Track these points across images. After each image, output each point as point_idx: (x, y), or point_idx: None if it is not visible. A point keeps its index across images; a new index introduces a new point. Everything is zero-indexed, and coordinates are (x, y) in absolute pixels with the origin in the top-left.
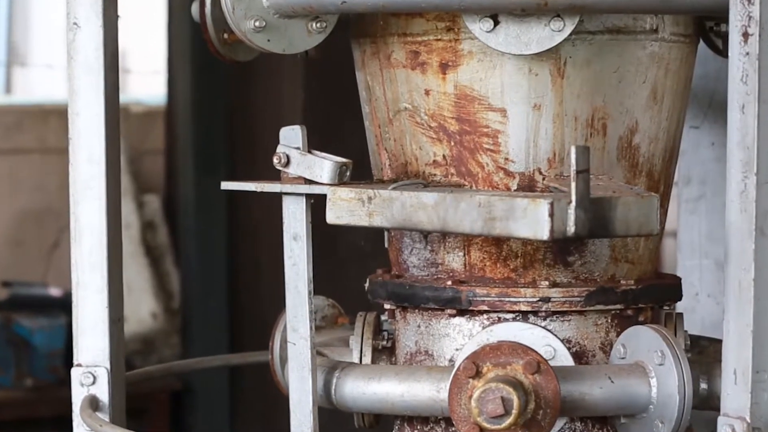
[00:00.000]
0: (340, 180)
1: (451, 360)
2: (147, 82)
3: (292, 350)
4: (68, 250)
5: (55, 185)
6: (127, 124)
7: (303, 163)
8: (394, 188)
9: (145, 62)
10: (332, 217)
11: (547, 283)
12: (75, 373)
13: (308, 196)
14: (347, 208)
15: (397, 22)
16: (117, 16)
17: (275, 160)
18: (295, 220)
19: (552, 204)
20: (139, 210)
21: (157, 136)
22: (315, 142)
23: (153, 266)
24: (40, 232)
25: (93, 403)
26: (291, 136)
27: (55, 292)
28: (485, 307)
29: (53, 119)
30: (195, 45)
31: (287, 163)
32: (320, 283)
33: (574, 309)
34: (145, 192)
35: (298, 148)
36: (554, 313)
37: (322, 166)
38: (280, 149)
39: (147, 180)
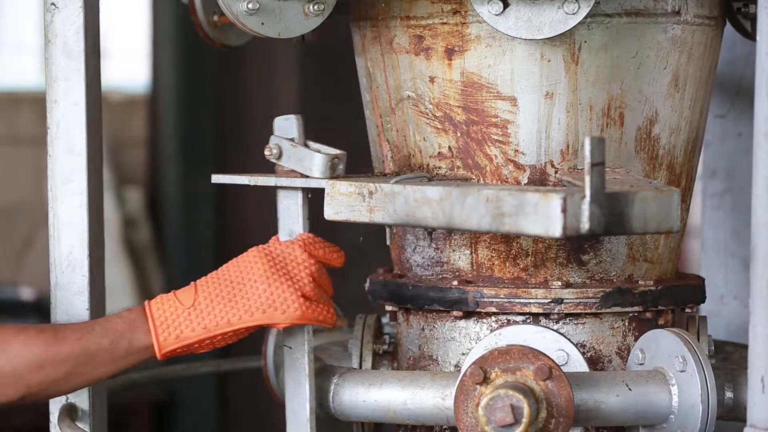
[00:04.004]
0: (332, 173)
1: (457, 365)
2: (127, 67)
3: (288, 354)
4: (42, 249)
5: (27, 178)
6: (105, 113)
7: (295, 155)
8: (396, 182)
9: (125, 45)
10: (330, 212)
11: (559, 283)
12: None
13: (305, 190)
14: (347, 203)
15: (399, 4)
16: None
17: (266, 152)
18: (290, 216)
19: (565, 199)
20: (119, 205)
21: (137, 125)
22: (310, 133)
23: (134, 266)
24: (11, 229)
25: (72, 413)
26: (285, 127)
27: (26, 294)
28: (493, 309)
29: (25, 106)
30: (181, 26)
31: (279, 156)
32: None
33: (588, 311)
34: (126, 185)
35: (291, 140)
36: (567, 315)
37: (313, 159)
38: (272, 140)
39: (127, 172)
